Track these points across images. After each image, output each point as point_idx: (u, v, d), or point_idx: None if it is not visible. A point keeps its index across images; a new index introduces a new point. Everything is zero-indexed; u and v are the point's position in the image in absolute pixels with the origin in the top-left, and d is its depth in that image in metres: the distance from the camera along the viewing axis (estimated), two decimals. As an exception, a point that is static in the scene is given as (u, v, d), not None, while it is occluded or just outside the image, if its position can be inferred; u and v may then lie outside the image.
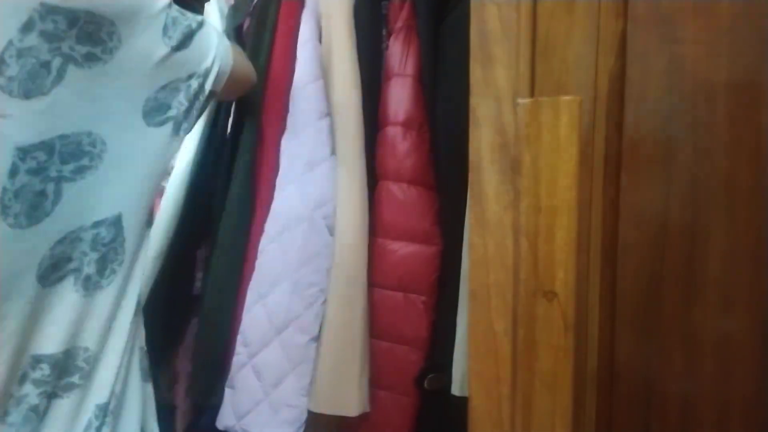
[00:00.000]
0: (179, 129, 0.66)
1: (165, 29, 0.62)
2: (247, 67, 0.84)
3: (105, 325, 0.63)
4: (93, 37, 0.56)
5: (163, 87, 0.63)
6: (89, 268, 0.60)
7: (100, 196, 0.60)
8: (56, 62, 0.54)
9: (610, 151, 0.52)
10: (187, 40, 0.65)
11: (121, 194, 0.61)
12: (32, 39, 0.52)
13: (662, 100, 0.49)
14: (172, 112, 0.64)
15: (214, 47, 0.70)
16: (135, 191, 0.63)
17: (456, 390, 0.84)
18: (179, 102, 0.65)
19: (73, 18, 0.54)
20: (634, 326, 0.52)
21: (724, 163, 0.47)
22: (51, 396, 0.59)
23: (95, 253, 0.60)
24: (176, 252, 1.13)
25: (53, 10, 0.53)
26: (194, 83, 0.66)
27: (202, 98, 0.68)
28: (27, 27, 0.52)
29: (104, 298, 0.62)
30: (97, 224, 0.60)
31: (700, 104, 0.48)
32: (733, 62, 0.47)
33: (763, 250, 0.46)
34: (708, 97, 0.48)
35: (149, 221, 0.67)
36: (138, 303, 0.67)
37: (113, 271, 0.63)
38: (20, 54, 0.52)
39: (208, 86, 0.69)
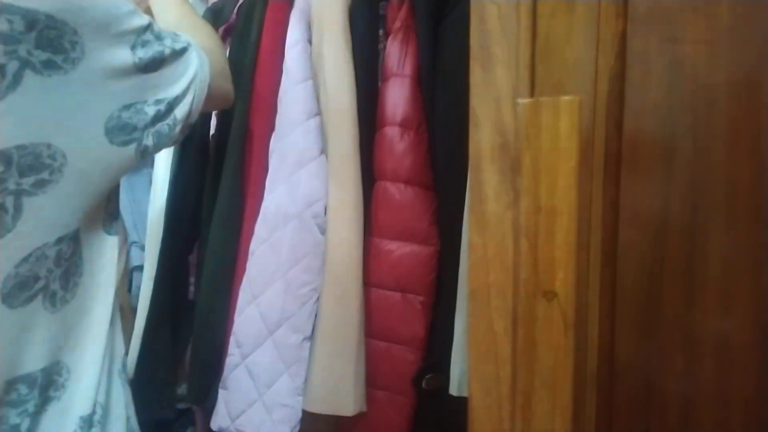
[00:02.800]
0: (145, 151, 0.64)
1: (134, 49, 0.59)
2: (223, 89, 0.82)
3: (78, 336, 0.61)
4: (54, 44, 0.52)
5: (127, 107, 0.60)
6: (54, 285, 0.58)
7: (62, 212, 0.57)
8: (12, 66, 0.50)
9: (610, 151, 0.52)
10: (155, 64, 0.62)
11: (80, 209, 0.59)
12: None
13: (662, 100, 0.49)
14: (137, 134, 0.61)
15: (190, 77, 0.68)
16: (92, 206, 0.61)
17: (454, 390, 0.84)
18: (145, 123, 0.62)
19: (31, 20, 0.50)
20: (634, 326, 0.52)
21: (724, 163, 0.47)
22: (32, 414, 0.58)
23: (59, 269, 0.58)
24: (168, 259, 1.13)
25: (7, 9, 0.49)
26: (162, 107, 0.64)
27: (171, 123, 0.66)
28: None
29: (71, 310, 0.60)
30: (59, 240, 0.57)
31: (700, 104, 0.48)
32: (733, 62, 0.47)
33: (763, 250, 0.46)
34: (708, 97, 0.48)
35: (108, 230, 0.65)
36: (114, 310, 0.65)
37: (75, 284, 0.61)
38: None
39: (180, 114, 0.67)
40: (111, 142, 0.59)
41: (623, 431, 0.53)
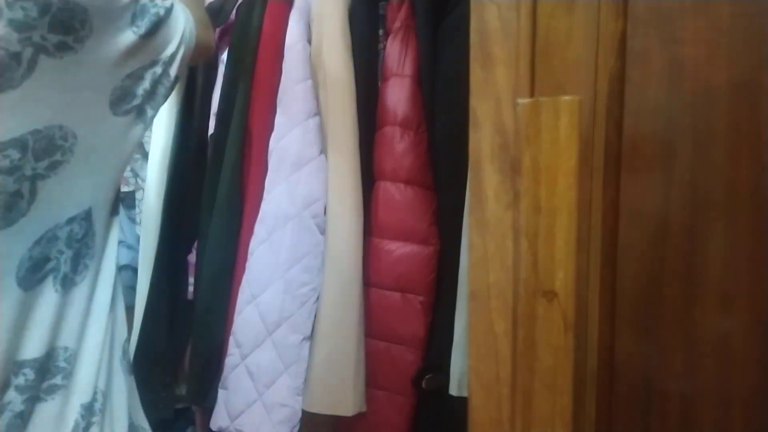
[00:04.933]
0: (144, 116, 0.64)
1: (133, 18, 0.60)
2: (207, 37, 0.81)
3: (81, 321, 0.61)
4: (66, 25, 0.52)
5: (129, 75, 0.61)
6: (66, 267, 0.58)
7: (72, 192, 0.58)
8: (27, 53, 0.50)
9: (610, 151, 0.52)
10: (154, 27, 0.62)
11: (91, 188, 0.60)
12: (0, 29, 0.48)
13: (662, 100, 0.49)
14: (137, 101, 0.62)
15: (180, 32, 0.67)
16: (102, 183, 0.61)
17: (453, 390, 0.84)
18: (144, 89, 0.63)
19: (45, 5, 0.50)
20: (634, 326, 0.52)
21: (724, 163, 0.47)
22: (35, 400, 0.57)
23: (70, 250, 0.59)
24: (165, 259, 1.13)
25: None
26: (158, 69, 0.64)
27: (167, 83, 0.66)
28: None
29: (78, 294, 0.60)
30: (70, 221, 0.58)
31: (700, 104, 0.48)
32: (733, 62, 0.47)
33: (763, 250, 0.46)
34: (708, 97, 0.48)
35: (114, 210, 0.66)
36: (114, 296, 0.65)
37: (85, 266, 0.61)
38: None
39: (173, 72, 0.67)
40: (115, 113, 0.60)
41: (623, 431, 0.53)
